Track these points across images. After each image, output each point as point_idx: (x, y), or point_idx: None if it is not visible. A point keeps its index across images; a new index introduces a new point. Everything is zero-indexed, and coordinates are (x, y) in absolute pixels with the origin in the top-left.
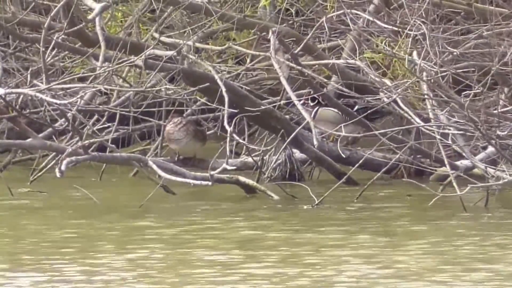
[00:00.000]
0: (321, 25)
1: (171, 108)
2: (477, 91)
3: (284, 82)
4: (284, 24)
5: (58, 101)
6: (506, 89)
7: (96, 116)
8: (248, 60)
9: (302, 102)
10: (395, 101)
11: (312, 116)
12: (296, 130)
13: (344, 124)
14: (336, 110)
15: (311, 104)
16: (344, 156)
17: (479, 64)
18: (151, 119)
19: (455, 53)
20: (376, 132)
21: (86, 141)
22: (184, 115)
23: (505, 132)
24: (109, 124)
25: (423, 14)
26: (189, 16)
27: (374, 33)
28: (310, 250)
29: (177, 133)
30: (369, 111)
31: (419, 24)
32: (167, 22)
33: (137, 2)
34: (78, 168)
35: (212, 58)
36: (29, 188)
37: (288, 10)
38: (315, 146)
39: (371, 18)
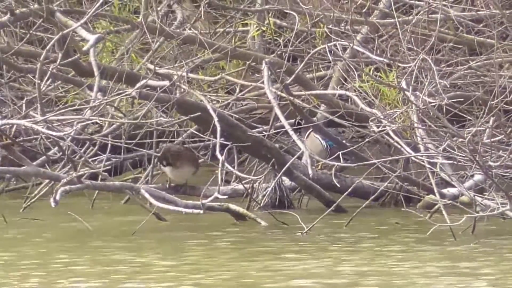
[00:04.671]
0: (311, 56)
1: (164, 139)
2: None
3: (278, 112)
4: (273, 55)
5: (54, 133)
6: (492, 119)
7: (88, 143)
8: (237, 90)
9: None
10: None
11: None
12: (291, 161)
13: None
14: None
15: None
16: (338, 186)
17: (466, 95)
18: (142, 150)
19: (442, 84)
20: (367, 163)
21: (81, 172)
22: (175, 143)
23: (498, 163)
24: (101, 152)
25: (413, 45)
26: (179, 47)
27: (362, 63)
28: (301, 277)
29: (175, 157)
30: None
31: (411, 54)
32: (158, 52)
33: (128, 33)
34: (70, 195)
35: (203, 88)
36: (23, 216)
37: (276, 40)
38: (310, 177)
39: (361, 50)
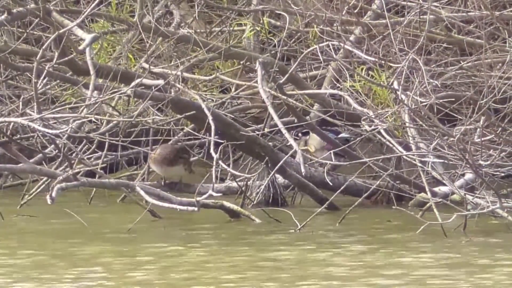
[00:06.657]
0: (304, 56)
1: (160, 137)
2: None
3: (272, 111)
4: (267, 54)
5: (50, 131)
6: (482, 119)
7: (85, 142)
8: (233, 89)
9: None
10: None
11: (308, 138)
12: (284, 159)
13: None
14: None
15: (302, 137)
16: (331, 184)
17: (457, 95)
18: (138, 148)
19: (433, 84)
20: (359, 161)
21: (77, 170)
22: (170, 142)
23: (488, 162)
24: (97, 149)
25: (405, 45)
26: (175, 46)
27: (354, 63)
28: (294, 273)
29: (160, 152)
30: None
31: (402, 54)
32: (154, 51)
33: (125, 33)
34: (66, 193)
35: (198, 87)
36: (19, 213)
37: (270, 40)
38: (303, 175)
39: (353, 50)
